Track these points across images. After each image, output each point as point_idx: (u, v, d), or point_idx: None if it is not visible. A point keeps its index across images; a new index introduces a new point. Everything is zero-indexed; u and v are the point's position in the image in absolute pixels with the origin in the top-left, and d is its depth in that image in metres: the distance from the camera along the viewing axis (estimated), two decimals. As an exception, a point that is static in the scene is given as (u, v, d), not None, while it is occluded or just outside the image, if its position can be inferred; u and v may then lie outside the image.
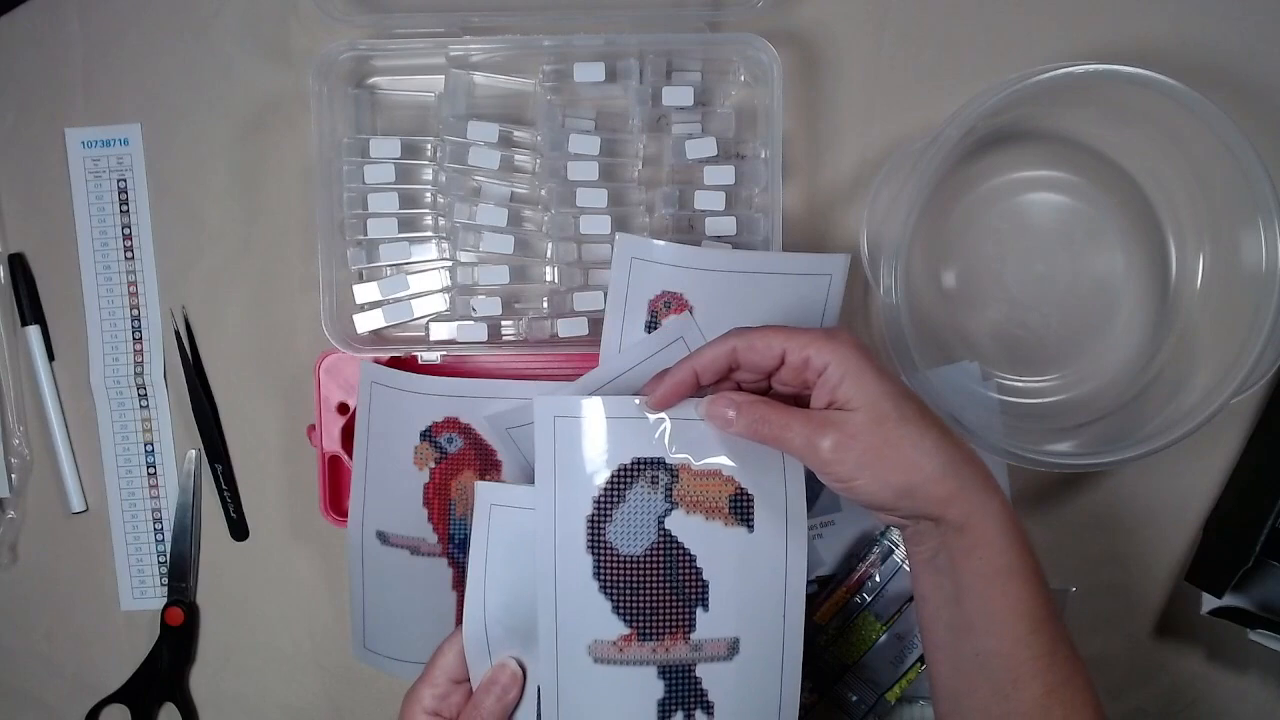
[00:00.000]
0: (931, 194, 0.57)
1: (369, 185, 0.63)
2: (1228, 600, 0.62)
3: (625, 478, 0.52)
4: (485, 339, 0.63)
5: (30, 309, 0.67)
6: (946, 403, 0.57)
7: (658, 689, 0.52)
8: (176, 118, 0.66)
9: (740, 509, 0.53)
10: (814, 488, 0.66)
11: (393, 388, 0.62)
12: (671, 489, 0.52)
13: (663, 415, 0.52)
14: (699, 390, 0.51)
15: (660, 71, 0.64)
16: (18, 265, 0.67)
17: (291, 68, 0.65)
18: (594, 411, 0.52)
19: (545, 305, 0.64)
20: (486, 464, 0.64)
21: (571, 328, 0.63)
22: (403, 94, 0.65)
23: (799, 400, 0.51)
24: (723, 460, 0.53)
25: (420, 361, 0.63)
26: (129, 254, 0.67)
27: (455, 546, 0.64)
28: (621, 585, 0.52)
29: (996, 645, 0.47)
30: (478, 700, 0.51)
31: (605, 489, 0.52)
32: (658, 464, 0.52)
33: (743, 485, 0.53)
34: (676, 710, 0.52)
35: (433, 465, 0.63)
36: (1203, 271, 0.63)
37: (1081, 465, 0.60)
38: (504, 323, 0.64)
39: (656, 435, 0.52)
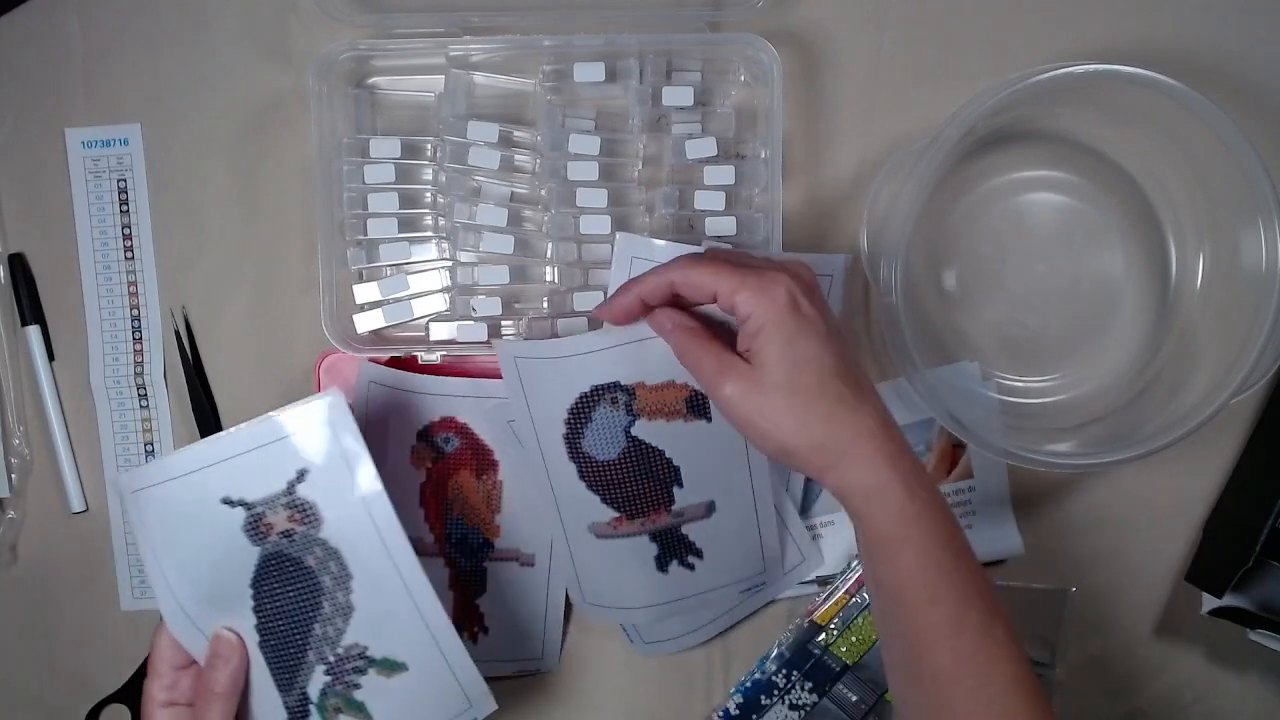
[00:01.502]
0: (931, 194, 0.57)
1: (369, 185, 0.63)
2: (1228, 600, 0.62)
3: (588, 403, 0.59)
4: (485, 339, 0.63)
5: (30, 309, 0.67)
6: (946, 403, 0.57)
7: (652, 549, 0.61)
8: (176, 118, 0.66)
9: (696, 406, 0.60)
10: (814, 488, 0.66)
11: (390, 387, 0.62)
12: (631, 404, 0.59)
13: (615, 339, 0.57)
14: (647, 311, 0.54)
15: (660, 71, 0.64)
16: (18, 265, 0.67)
17: (291, 68, 0.65)
18: (549, 350, 0.58)
19: (545, 305, 0.64)
20: (483, 464, 0.64)
21: (571, 328, 0.63)
22: (403, 94, 0.65)
23: None
24: (673, 376, 0.59)
25: (420, 361, 0.63)
26: (129, 254, 0.67)
27: (452, 546, 0.64)
28: (604, 483, 0.60)
29: (899, 613, 0.49)
30: (206, 677, 0.52)
31: (572, 411, 0.59)
32: (615, 387, 0.58)
33: (695, 388, 0.59)
34: (671, 560, 0.62)
35: (430, 465, 0.63)
36: (1203, 271, 0.63)
37: (1081, 465, 0.60)
38: (504, 323, 0.64)
39: (609, 364, 0.58)
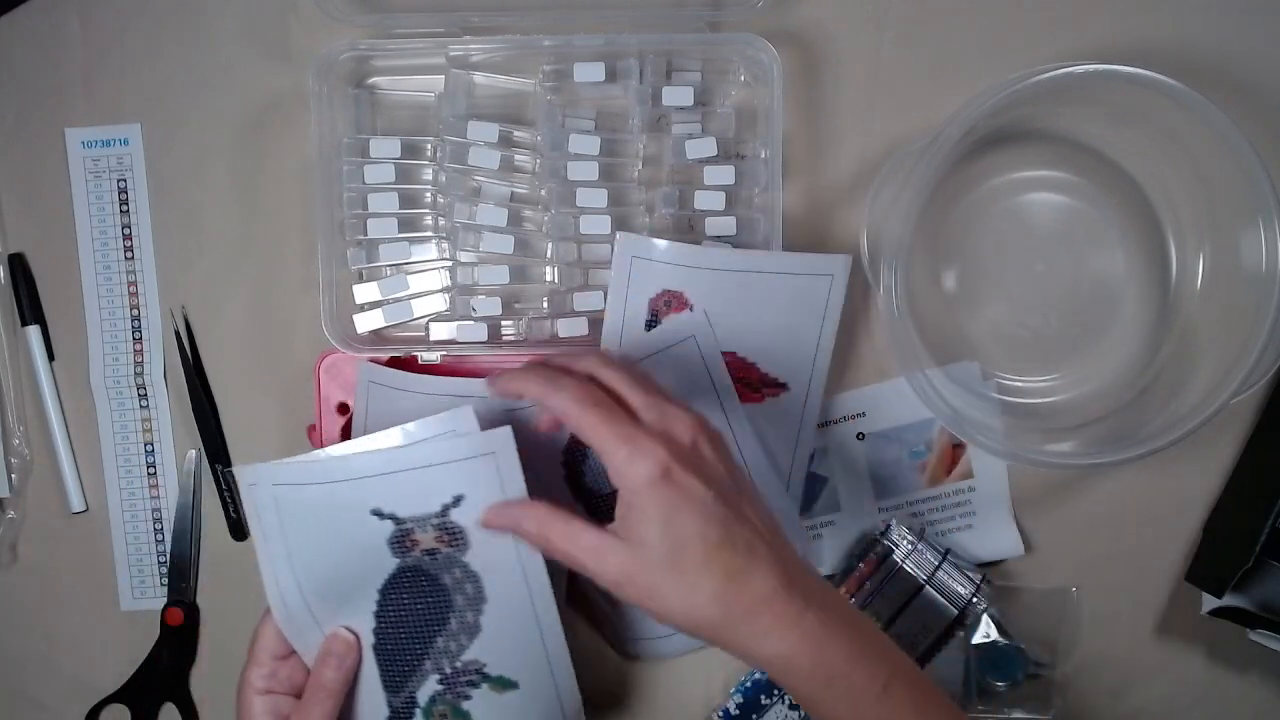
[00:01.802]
0: (931, 194, 0.57)
1: (369, 185, 0.63)
2: (1228, 600, 0.62)
3: (579, 444, 0.60)
4: (485, 339, 0.63)
5: (30, 309, 0.67)
6: (946, 403, 0.57)
7: None
8: (176, 118, 0.66)
9: None
10: (813, 488, 0.66)
11: (390, 387, 0.62)
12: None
13: None
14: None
15: (660, 71, 0.64)
16: (18, 265, 0.67)
17: (291, 68, 0.65)
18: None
19: (545, 305, 0.64)
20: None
21: (571, 328, 0.63)
22: (403, 94, 0.65)
23: None
24: None
25: (420, 361, 0.63)
26: (129, 254, 0.67)
27: (455, 546, 0.64)
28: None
29: None
30: (318, 672, 0.53)
31: (566, 453, 0.61)
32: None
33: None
34: None
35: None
36: (1203, 271, 0.63)
37: (1081, 465, 0.60)
38: (504, 323, 0.64)
39: None
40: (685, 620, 0.47)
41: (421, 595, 0.53)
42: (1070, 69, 0.56)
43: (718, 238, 0.63)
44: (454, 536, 0.53)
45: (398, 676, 0.54)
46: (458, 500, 0.52)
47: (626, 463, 0.46)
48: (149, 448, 0.67)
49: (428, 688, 0.54)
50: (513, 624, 0.54)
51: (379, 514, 0.52)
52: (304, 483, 0.52)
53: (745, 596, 0.46)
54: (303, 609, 0.54)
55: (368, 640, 0.54)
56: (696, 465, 0.47)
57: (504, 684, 0.55)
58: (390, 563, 0.53)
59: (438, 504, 0.52)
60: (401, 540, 0.53)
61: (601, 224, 0.62)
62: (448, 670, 0.54)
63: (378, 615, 0.54)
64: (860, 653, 0.47)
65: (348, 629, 0.54)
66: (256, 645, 0.54)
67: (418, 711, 0.54)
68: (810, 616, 0.46)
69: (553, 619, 0.54)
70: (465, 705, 0.55)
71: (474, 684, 0.54)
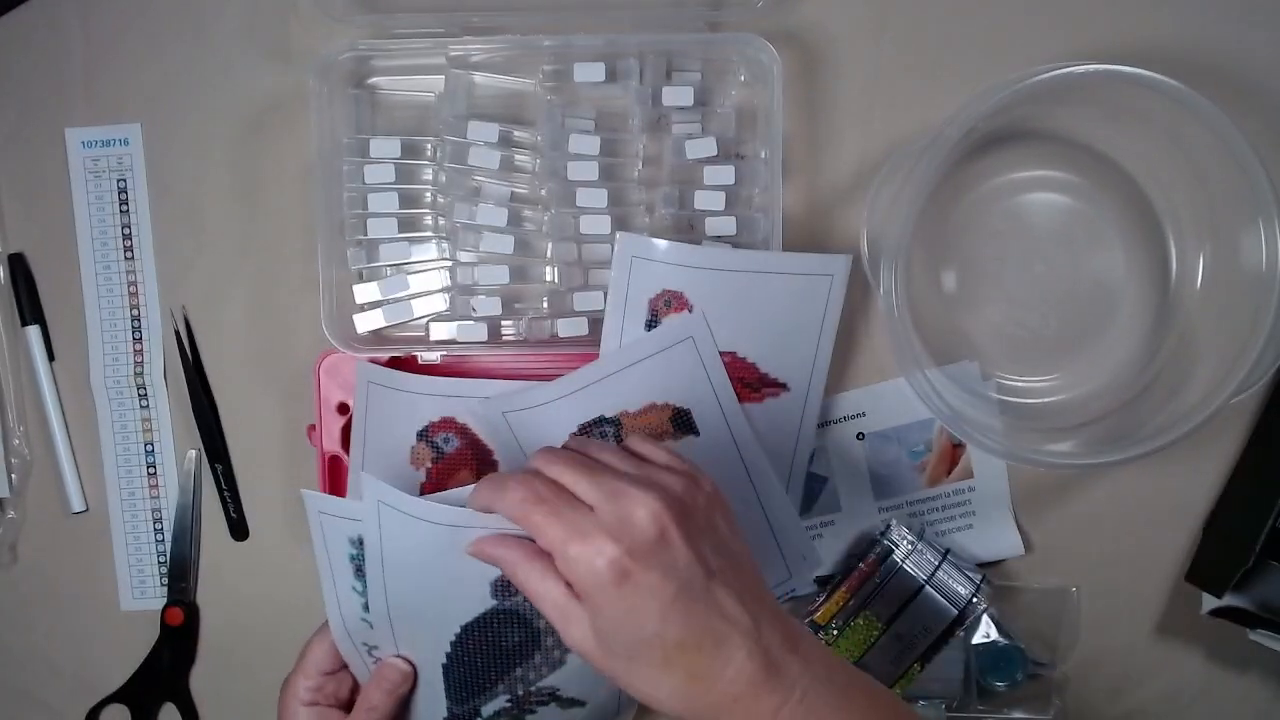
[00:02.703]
0: (931, 194, 0.57)
1: (369, 185, 0.63)
2: (1228, 600, 0.62)
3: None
4: (485, 339, 0.63)
5: (30, 309, 0.67)
6: (946, 403, 0.57)
7: None
8: (176, 118, 0.66)
9: (682, 423, 0.60)
10: (813, 488, 0.66)
11: (389, 387, 0.62)
12: (619, 434, 0.60)
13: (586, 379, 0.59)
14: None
15: (660, 71, 0.64)
16: (18, 265, 0.67)
17: (291, 68, 0.65)
18: (533, 399, 0.60)
19: (545, 305, 0.64)
20: (483, 464, 0.64)
21: (571, 328, 0.63)
22: (403, 94, 0.65)
23: None
24: (653, 398, 0.60)
25: (420, 361, 0.63)
26: (129, 254, 0.67)
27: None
28: None
29: None
30: (368, 692, 0.53)
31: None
32: (601, 421, 0.60)
33: (677, 405, 0.60)
34: None
35: (429, 465, 0.63)
36: (1203, 271, 0.63)
37: (1081, 465, 0.60)
38: (504, 323, 0.64)
39: (589, 401, 0.59)
40: (652, 702, 0.44)
41: (507, 634, 0.52)
42: (1070, 69, 0.56)
43: (718, 238, 0.63)
44: None
45: (465, 690, 0.53)
46: None
47: (575, 562, 0.43)
48: (149, 448, 0.67)
49: (495, 703, 0.53)
50: None
51: None
52: (415, 516, 0.49)
53: (711, 695, 0.43)
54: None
55: (438, 660, 0.52)
56: (657, 556, 0.43)
57: (572, 704, 0.54)
58: (485, 603, 0.51)
59: None
60: (506, 586, 0.50)
61: (601, 224, 0.62)
62: (520, 693, 0.53)
63: (455, 644, 0.52)
64: (855, 710, 0.44)
65: (404, 658, 0.52)
66: (306, 658, 0.54)
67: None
68: (787, 712, 0.43)
69: None
70: (529, 719, 0.54)
71: (543, 703, 0.54)
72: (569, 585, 0.44)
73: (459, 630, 0.52)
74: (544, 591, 0.44)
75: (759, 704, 0.43)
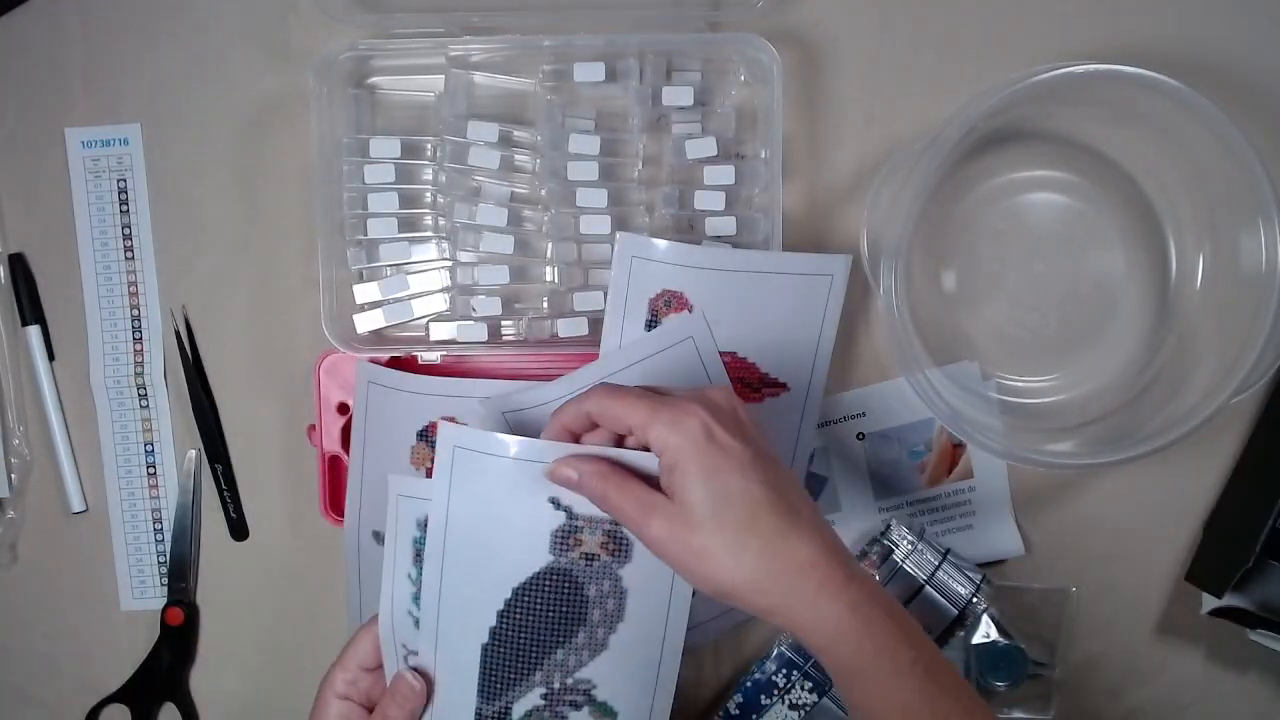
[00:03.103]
0: (931, 194, 0.57)
1: (369, 185, 0.63)
2: (1228, 600, 0.62)
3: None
4: (485, 339, 0.63)
5: (30, 309, 0.67)
6: (946, 403, 0.57)
7: None
8: (176, 118, 0.66)
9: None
10: (812, 488, 0.66)
11: (389, 387, 0.62)
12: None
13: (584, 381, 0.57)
14: (579, 440, 0.51)
15: (660, 71, 0.64)
16: (18, 265, 0.67)
17: (291, 68, 0.65)
18: (532, 400, 0.58)
19: (545, 305, 0.64)
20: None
21: (571, 328, 0.63)
22: (403, 94, 0.65)
23: None
24: None
25: (420, 361, 0.63)
26: (129, 254, 0.67)
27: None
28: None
29: None
30: (384, 706, 0.52)
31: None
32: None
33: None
34: None
35: (429, 465, 0.63)
36: (1203, 271, 0.63)
37: (1081, 465, 0.60)
38: (504, 323, 0.64)
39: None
40: (729, 580, 0.46)
41: (557, 603, 0.52)
42: (1070, 69, 0.56)
43: (718, 238, 0.63)
44: (619, 546, 0.51)
45: (500, 683, 0.52)
46: None
47: (668, 428, 0.46)
48: (149, 448, 0.67)
49: (528, 701, 0.53)
50: (638, 650, 0.53)
51: (555, 503, 0.51)
52: (488, 453, 0.50)
53: (791, 558, 0.46)
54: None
55: (477, 641, 0.52)
56: (736, 426, 0.47)
57: (605, 711, 0.53)
58: (541, 559, 0.51)
59: None
60: (566, 536, 0.51)
61: (601, 224, 0.62)
62: (556, 685, 0.52)
63: (502, 615, 0.52)
64: (899, 629, 0.47)
65: (417, 672, 0.52)
66: (349, 651, 0.54)
67: None
68: (854, 587, 0.46)
69: (675, 656, 0.53)
70: None
71: (576, 705, 0.53)
72: (646, 485, 0.47)
73: (510, 595, 0.51)
74: (624, 491, 0.47)
75: (833, 572, 0.46)
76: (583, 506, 0.51)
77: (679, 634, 0.53)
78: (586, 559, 0.51)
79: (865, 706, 0.47)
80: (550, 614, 0.52)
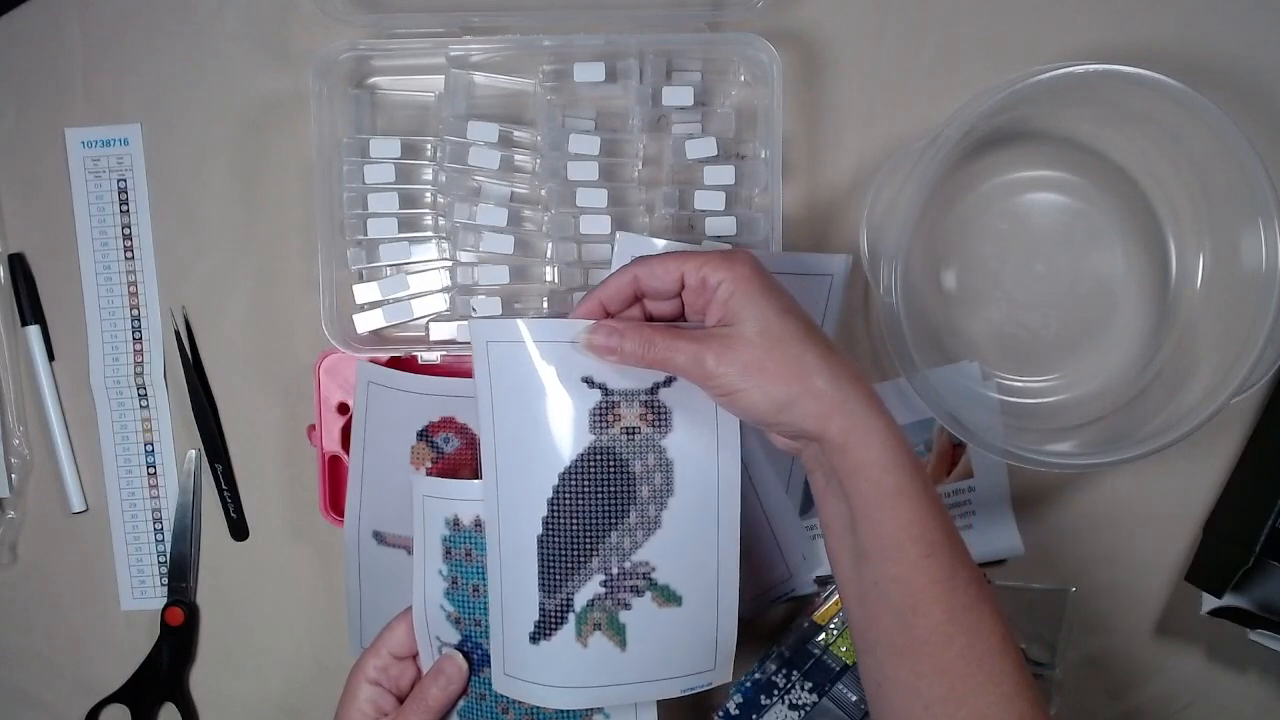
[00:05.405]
0: (931, 194, 0.57)
1: (369, 185, 0.63)
2: (1228, 600, 0.62)
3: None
4: (485, 339, 0.63)
5: (30, 309, 0.67)
6: (946, 403, 0.57)
7: None
8: (176, 118, 0.66)
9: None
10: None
11: (389, 387, 0.62)
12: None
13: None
14: (607, 316, 0.52)
15: (660, 71, 0.64)
16: (18, 265, 0.67)
17: (291, 68, 0.65)
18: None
19: (545, 305, 0.64)
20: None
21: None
22: (403, 94, 0.65)
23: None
24: None
25: (420, 361, 0.63)
26: (129, 254, 0.67)
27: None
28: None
29: (893, 571, 0.46)
30: (424, 685, 0.54)
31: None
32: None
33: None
34: None
35: (429, 465, 0.63)
36: (1203, 271, 0.63)
37: (1081, 465, 0.60)
38: (504, 323, 0.64)
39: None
40: (785, 391, 0.46)
41: (605, 482, 0.51)
42: (1070, 69, 0.56)
43: (718, 238, 0.63)
44: (659, 416, 0.51)
45: (559, 574, 0.51)
46: (670, 380, 0.51)
47: (724, 261, 0.48)
48: (149, 448, 0.67)
49: (589, 590, 0.51)
50: (693, 525, 0.52)
51: (589, 381, 0.51)
52: (514, 340, 0.50)
53: (847, 366, 0.47)
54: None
55: (532, 532, 0.51)
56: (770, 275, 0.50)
57: (668, 596, 0.52)
58: (584, 440, 0.51)
59: (650, 380, 0.51)
60: (604, 414, 0.51)
61: (601, 224, 0.62)
62: (614, 571, 0.51)
63: (552, 503, 0.51)
64: (923, 476, 0.48)
65: (461, 652, 0.54)
66: (381, 639, 0.55)
67: (571, 617, 0.52)
68: (890, 418, 0.47)
69: (733, 527, 0.52)
70: (623, 616, 0.52)
71: (638, 590, 0.52)
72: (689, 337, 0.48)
73: (557, 481, 0.51)
74: (670, 341, 0.48)
75: (871, 388, 0.47)
76: (617, 381, 0.51)
77: (733, 512, 0.52)
78: (628, 433, 0.51)
79: (890, 535, 0.46)
80: (599, 495, 0.51)
